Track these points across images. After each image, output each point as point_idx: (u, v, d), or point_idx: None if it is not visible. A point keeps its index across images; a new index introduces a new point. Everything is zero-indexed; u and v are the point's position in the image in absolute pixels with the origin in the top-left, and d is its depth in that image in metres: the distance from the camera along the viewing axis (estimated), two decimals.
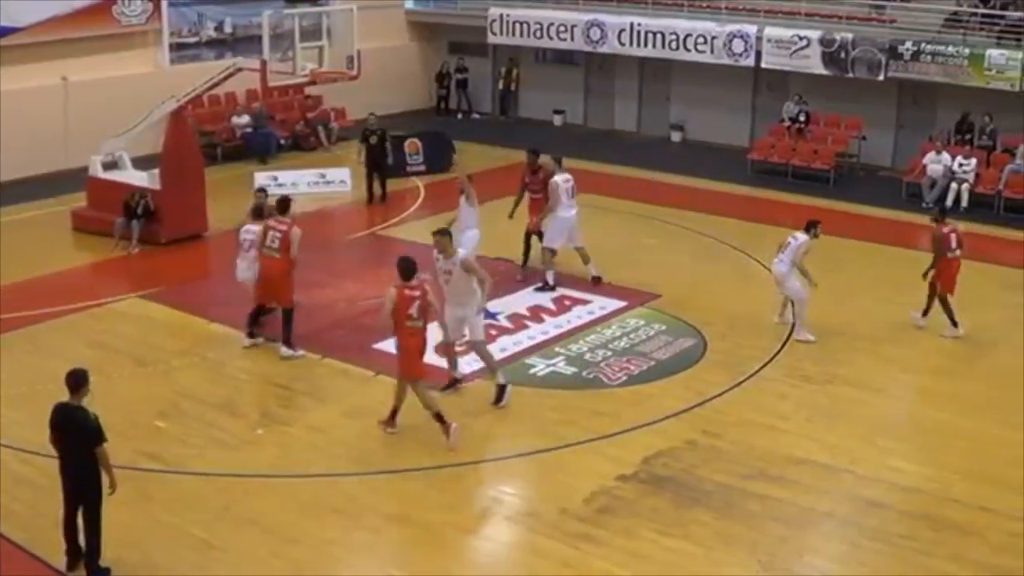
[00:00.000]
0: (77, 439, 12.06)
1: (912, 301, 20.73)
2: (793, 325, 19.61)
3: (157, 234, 24.14)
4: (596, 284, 21.57)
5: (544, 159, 22.19)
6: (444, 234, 16.96)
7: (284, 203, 18.75)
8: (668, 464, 15.06)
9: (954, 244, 19.69)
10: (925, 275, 19.71)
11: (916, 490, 14.53)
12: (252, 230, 18.77)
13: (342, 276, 22.23)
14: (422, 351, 15.79)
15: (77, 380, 12.19)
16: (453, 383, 17.24)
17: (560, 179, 21.54)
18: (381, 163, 28.38)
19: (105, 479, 12.16)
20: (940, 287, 19.67)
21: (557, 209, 21.44)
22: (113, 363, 18.27)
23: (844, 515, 14.02)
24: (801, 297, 19.44)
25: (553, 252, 21.59)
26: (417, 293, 15.44)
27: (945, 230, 19.77)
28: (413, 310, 15.43)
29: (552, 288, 21.35)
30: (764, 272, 22.36)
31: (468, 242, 19.95)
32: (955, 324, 19.58)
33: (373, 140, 28.11)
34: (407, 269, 15.52)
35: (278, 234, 18.09)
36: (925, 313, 19.91)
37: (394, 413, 15.86)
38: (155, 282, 21.90)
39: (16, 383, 17.20)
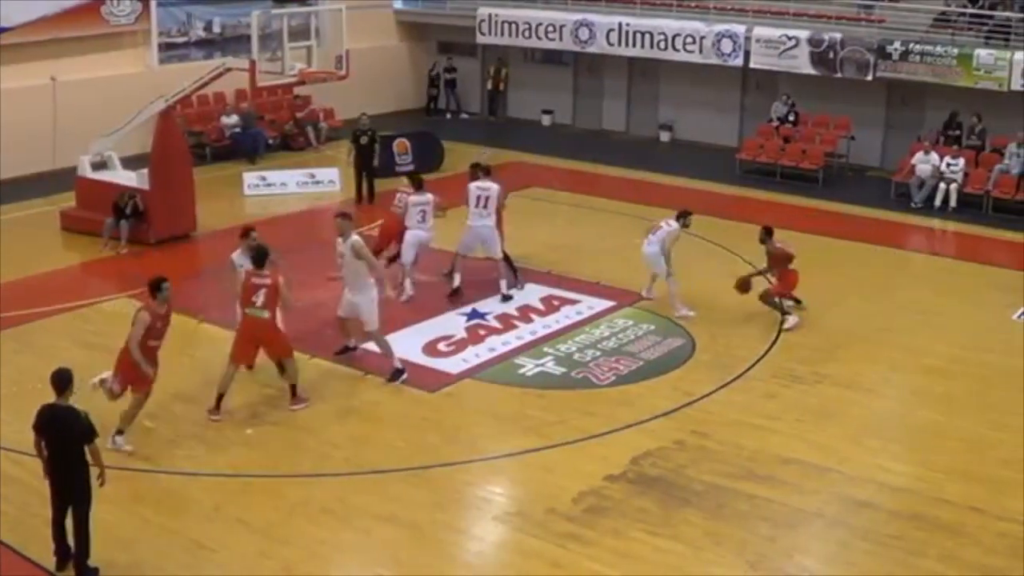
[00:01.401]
0: (67, 438, 12.07)
1: (901, 301, 20.86)
2: (782, 326, 19.67)
3: (146, 234, 24.13)
4: (504, 301, 21.01)
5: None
6: (344, 217, 17.73)
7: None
8: (657, 464, 15.08)
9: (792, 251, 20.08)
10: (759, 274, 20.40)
11: (906, 490, 14.56)
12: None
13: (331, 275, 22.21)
14: (256, 340, 16.55)
15: (62, 380, 12.25)
16: (345, 350, 18.24)
17: (472, 186, 21.29)
18: (369, 164, 28.39)
19: (94, 472, 12.20)
20: (777, 291, 20.01)
21: (469, 218, 21.26)
22: (103, 363, 18.11)
23: (833, 515, 14.05)
24: (664, 272, 20.27)
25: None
26: (266, 281, 16.15)
27: (779, 245, 20.04)
28: (257, 297, 16.13)
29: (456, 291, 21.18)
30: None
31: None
32: (785, 313, 20.02)
33: (363, 140, 28.12)
34: (258, 256, 16.38)
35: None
36: (785, 313, 20.10)
37: (219, 399, 16.44)
38: (144, 282, 21.77)
39: (5, 383, 17.20)
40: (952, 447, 15.73)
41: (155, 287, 15.57)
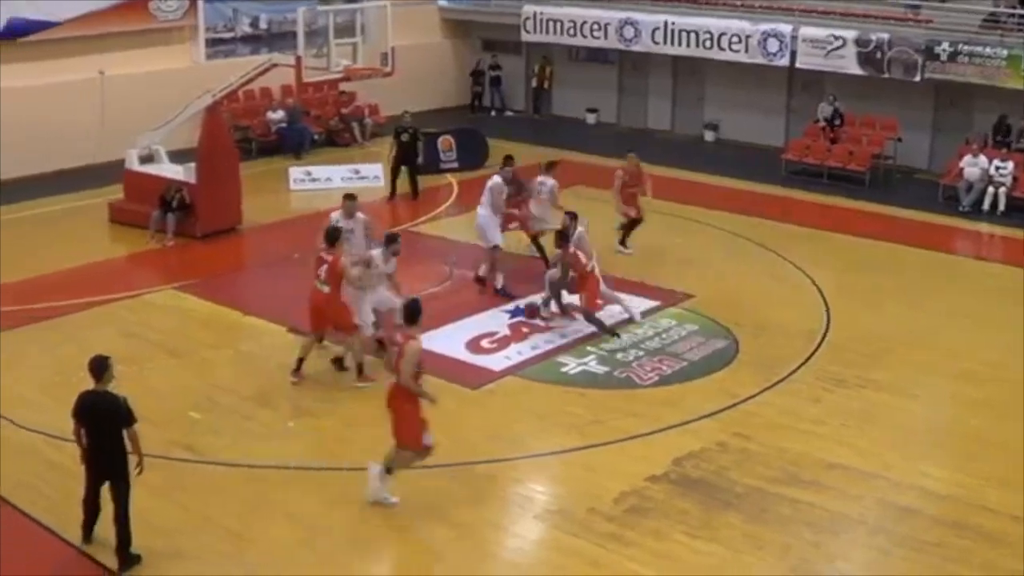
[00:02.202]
0: (107, 424, 12.21)
1: (948, 306, 20.74)
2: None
3: (192, 227, 24.26)
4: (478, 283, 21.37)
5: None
6: (351, 198, 19.00)
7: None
8: (699, 466, 15.02)
9: (584, 260, 19.35)
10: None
11: (948, 497, 14.43)
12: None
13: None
14: (318, 311, 17.20)
15: (100, 366, 12.38)
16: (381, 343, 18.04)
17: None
18: (412, 161, 28.41)
19: (133, 460, 12.33)
20: (586, 303, 19.51)
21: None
22: (147, 354, 18.39)
23: (875, 521, 13.94)
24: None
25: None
26: (329, 258, 16.97)
27: (571, 250, 19.35)
28: (321, 272, 16.96)
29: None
30: (798, 274, 22.41)
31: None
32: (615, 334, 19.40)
33: (405, 138, 28.14)
34: (329, 235, 17.35)
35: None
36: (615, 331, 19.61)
37: (299, 363, 17.34)
38: (190, 274, 22.04)
39: (48, 372, 17.36)
40: (996, 455, 15.53)
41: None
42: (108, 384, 12.39)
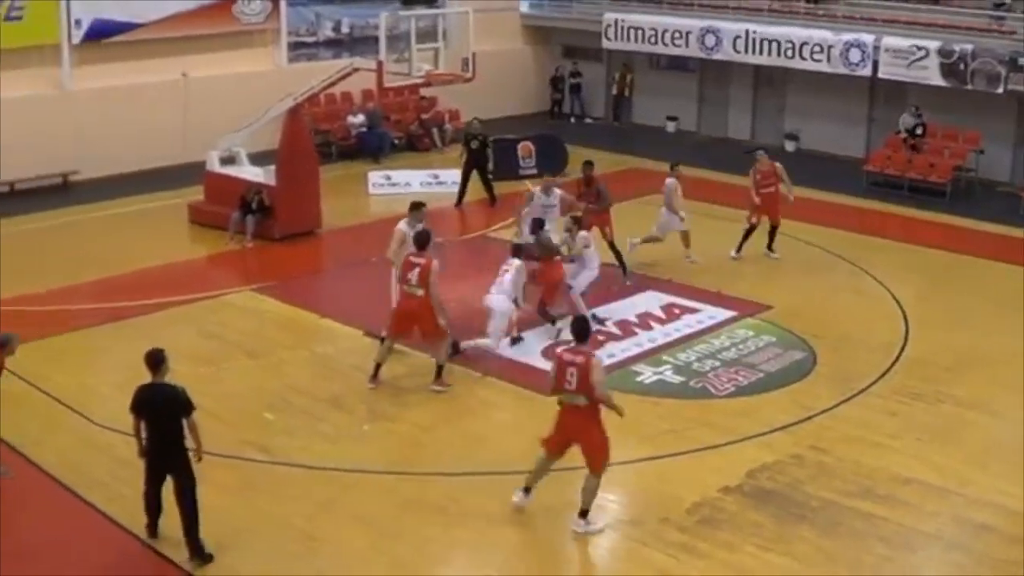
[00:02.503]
0: (166, 415, 12.36)
1: None
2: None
3: (271, 229, 24.45)
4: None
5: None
6: (419, 206, 18.76)
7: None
8: (773, 478, 14.91)
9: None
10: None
11: None
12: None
13: (452, 277, 22.27)
14: (411, 315, 17.07)
15: (156, 359, 12.54)
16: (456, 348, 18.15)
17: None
18: (483, 167, 28.49)
19: (193, 448, 12.49)
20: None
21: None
22: (225, 354, 18.57)
23: (951, 538, 13.76)
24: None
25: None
26: (420, 261, 16.88)
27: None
28: (412, 275, 16.86)
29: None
30: (877, 287, 22.20)
31: None
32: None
33: (474, 145, 28.17)
34: (419, 239, 17.33)
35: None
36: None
37: (376, 368, 17.37)
38: (268, 276, 22.22)
39: (128, 370, 17.47)
40: None
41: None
42: (164, 376, 12.53)
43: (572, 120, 39.36)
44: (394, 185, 29.57)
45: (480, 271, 20.33)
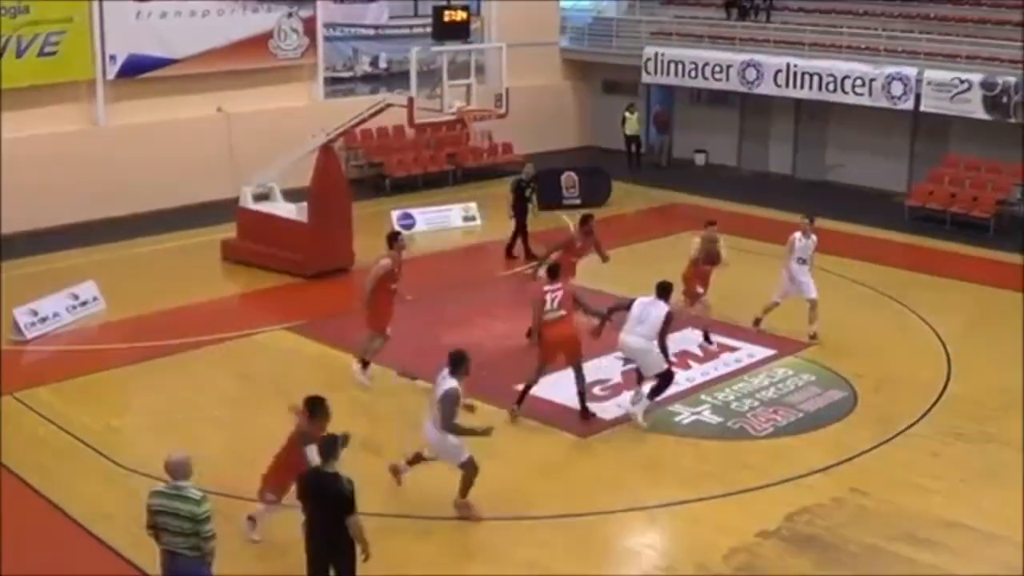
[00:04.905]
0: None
1: None
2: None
3: (303, 266, 24.25)
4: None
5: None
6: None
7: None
8: (812, 522, 14.54)
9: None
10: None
11: None
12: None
13: (487, 315, 22.10)
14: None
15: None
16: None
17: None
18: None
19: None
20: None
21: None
22: (257, 394, 18.37)
23: None
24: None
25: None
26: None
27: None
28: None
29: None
30: (920, 324, 21.81)
31: None
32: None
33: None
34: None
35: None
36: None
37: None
38: (301, 314, 21.99)
39: (155, 413, 17.36)
40: None
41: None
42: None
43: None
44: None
45: (510, 310, 20.08)
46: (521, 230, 26.62)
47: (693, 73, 36.30)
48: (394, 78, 34.46)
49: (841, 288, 24.05)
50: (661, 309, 17.12)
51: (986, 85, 30.28)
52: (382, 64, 35.29)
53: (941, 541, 14.16)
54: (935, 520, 14.65)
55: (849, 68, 32.93)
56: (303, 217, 24.48)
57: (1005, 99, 30.00)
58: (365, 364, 18.74)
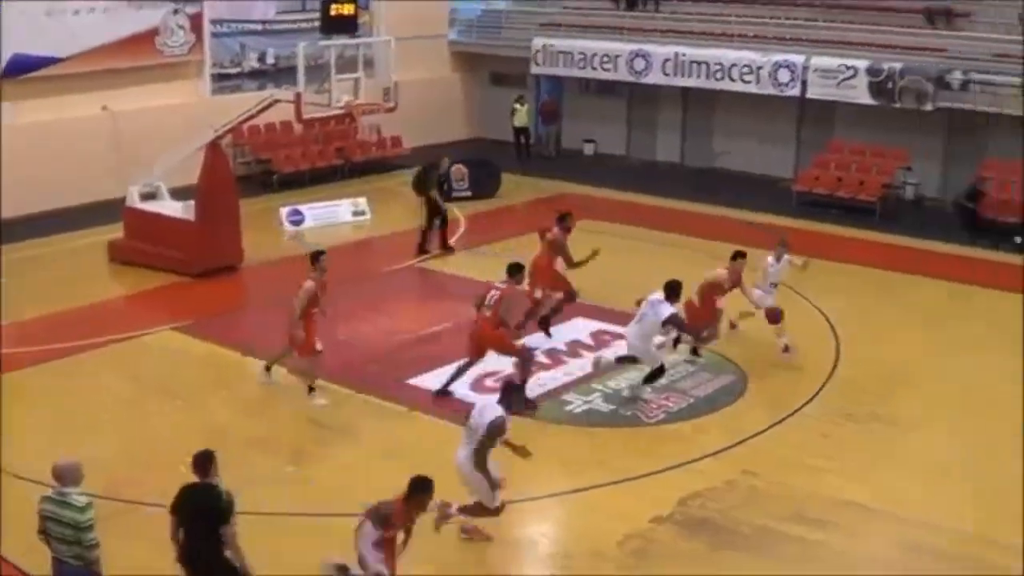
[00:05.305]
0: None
1: (963, 337, 20.34)
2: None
3: (190, 265, 23.95)
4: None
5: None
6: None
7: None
8: (705, 505, 14.67)
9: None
10: None
11: (963, 534, 14.08)
12: None
13: (377, 309, 21.97)
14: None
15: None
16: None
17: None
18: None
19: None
20: None
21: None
22: (146, 396, 18.10)
23: (886, 560, 13.63)
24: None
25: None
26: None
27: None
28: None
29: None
30: (810, 308, 22.03)
31: None
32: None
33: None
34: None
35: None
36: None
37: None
38: (188, 314, 21.68)
39: (42, 416, 17.03)
40: (1013, 490, 15.05)
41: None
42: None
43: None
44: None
45: (407, 302, 19.97)
46: (444, 223, 26.41)
47: (582, 64, 36.34)
48: (282, 73, 34.01)
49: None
50: (660, 311, 17.41)
51: (872, 71, 30.69)
52: (270, 60, 34.88)
53: (832, 520, 14.36)
54: (826, 499, 14.86)
55: (737, 56, 33.19)
56: (190, 215, 24.15)
57: (890, 84, 30.41)
58: (268, 368, 18.52)
